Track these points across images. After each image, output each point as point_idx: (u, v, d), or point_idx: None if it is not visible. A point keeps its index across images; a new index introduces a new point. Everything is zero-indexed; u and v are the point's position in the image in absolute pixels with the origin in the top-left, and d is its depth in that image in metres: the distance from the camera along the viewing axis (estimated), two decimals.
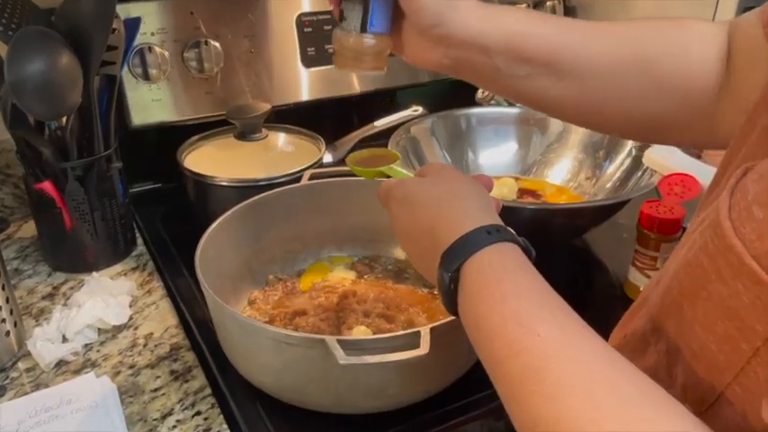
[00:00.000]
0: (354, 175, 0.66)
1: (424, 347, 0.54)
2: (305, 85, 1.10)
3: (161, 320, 0.75)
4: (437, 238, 0.45)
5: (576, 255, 0.93)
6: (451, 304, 0.44)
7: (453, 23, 0.50)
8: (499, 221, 0.46)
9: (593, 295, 0.84)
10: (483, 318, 0.40)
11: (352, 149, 1.01)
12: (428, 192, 0.49)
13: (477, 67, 0.52)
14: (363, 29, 0.53)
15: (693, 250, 0.35)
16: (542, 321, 0.38)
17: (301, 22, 1.04)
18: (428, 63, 0.53)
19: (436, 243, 0.45)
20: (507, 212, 0.75)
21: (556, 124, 1.03)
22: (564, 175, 1.02)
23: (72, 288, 0.80)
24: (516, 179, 1.03)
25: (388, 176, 0.59)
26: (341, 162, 1.00)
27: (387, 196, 0.52)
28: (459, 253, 0.43)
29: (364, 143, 1.04)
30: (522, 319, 0.38)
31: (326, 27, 1.05)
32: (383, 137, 1.02)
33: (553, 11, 1.20)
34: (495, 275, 0.41)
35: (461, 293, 0.43)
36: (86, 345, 0.71)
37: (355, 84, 1.11)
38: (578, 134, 1.02)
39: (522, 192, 0.99)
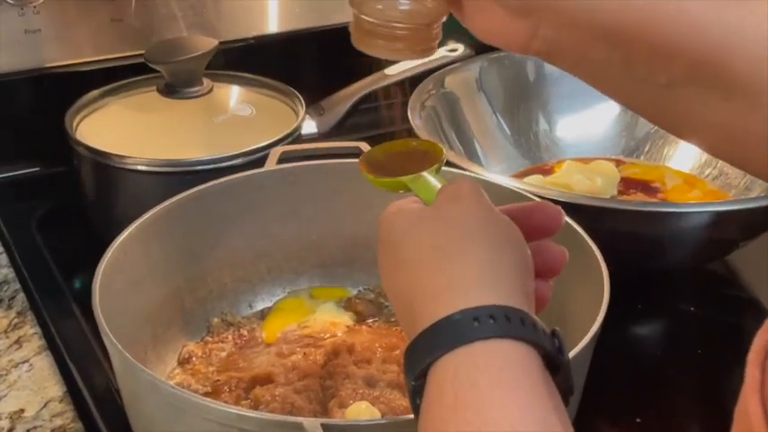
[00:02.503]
0: (357, 156, 0.65)
1: None
2: (273, 7, 1.10)
3: (37, 390, 0.75)
4: (415, 315, 0.46)
5: (714, 287, 0.93)
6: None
7: None
8: (515, 299, 0.45)
9: (744, 353, 0.83)
10: None
11: (347, 116, 1.01)
12: (416, 239, 0.50)
13: (587, 60, 0.50)
14: None
15: None
16: None
17: None
18: (509, 44, 0.52)
19: (414, 323, 0.46)
20: (601, 218, 0.74)
21: None
22: (696, 158, 1.02)
23: None
24: (618, 163, 1.02)
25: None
26: (332, 135, 1.00)
27: (378, 230, 0.53)
28: (425, 350, 0.44)
29: (373, 103, 1.04)
30: None
31: None
32: (401, 92, 1.02)
33: None
34: (457, 397, 0.41)
35: (421, 413, 0.44)
36: None
37: None
38: None
39: (628, 184, 0.99)
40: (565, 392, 0.45)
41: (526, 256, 0.49)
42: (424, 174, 0.57)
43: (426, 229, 0.50)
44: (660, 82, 0.49)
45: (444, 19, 0.55)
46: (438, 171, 0.57)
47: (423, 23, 0.54)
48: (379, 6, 0.53)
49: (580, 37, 0.49)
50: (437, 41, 0.55)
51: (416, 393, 0.44)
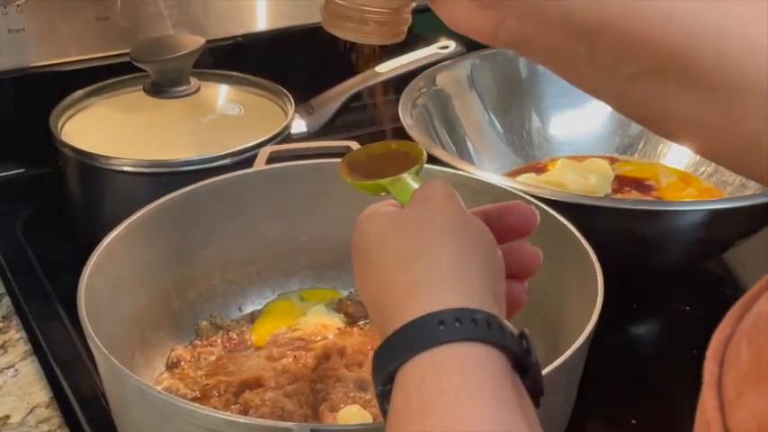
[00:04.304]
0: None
1: None
2: (261, 5, 1.10)
3: (23, 395, 0.75)
4: (384, 321, 0.47)
5: (710, 286, 0.93)
6: None
7: None
8: (483, 301, 0.45)
9: None
10: None
11: (337, 115, 1.01)
12: (385, 244, 0.50)
13: (553, 51, 0.51)
14: None
15: None
16: None
17: None
18: (476, 33, 0.53)
19: (384, 328, 0.46)
20: (595, 217, 0.74)
21: None
22: (691, 156, 1.02)
23: None
24: (612, 161, 1.03)
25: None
26: (322, 134, 1.00)
27: (353, 235, 0.54)
28: (391, 356, 0.44)
29: (363, 101, 1.05)
30: None
31: None
32: (392, 90, 1.02)
33: None
34: (423, 402, 0.41)
35: (387, 419, 0.44)
36: None
37: None
38: None
39: (622, 182, 0.99)
40: (534, 394, 0.45)
41: (496, 258, 0.50)
42: (404, 176, 0.57)
43: (396, 232, 0.50)
44: (626, 73, 0.49)
45: (414, 4, 0.55)
46: (418, 173, 0.57)
47: (392, 7, 0.54)
48: None
49: (545, 28, 0.49)
50: (406, 26, 0.56)
51: (384, 398, 0.44)
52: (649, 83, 0.49)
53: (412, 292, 0.46)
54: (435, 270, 0.47)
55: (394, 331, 0.44)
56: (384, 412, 0.45)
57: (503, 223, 0.53)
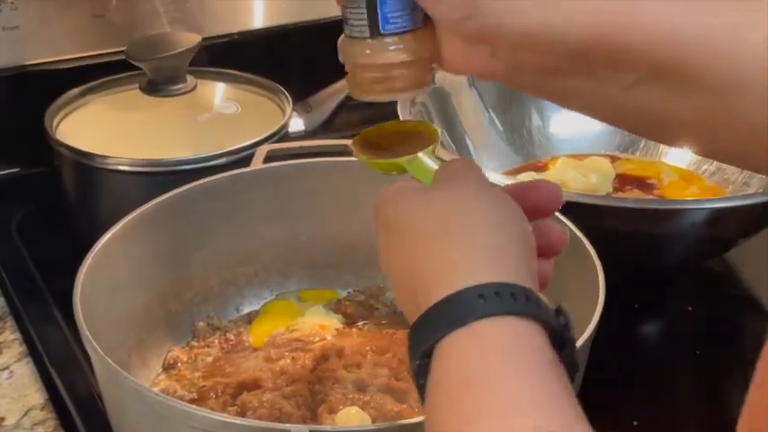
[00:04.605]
0: (345, 154, 0.65)
1: None
2: (258, 1, 1.10)
3: (18, 397, 0.75)
4: (416, 298, 0.47)
5: (713, 285, 0.93)
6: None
7: (494, 12, 0.50)
8: (520, 276, 0.46)
9: (743, 351, 0.84)
10: None
11: (335, 113, 1.01)
12: (421, 219, 0.50)
13: (550, 76, 0.52)
14: (375, 31, 0.55)
15: None
16: None
17: None
18: (472, 70, 0.55)
19: (419, 305, 0.46)
20: (597, 216, 0.74)
21: None
22: (692, 154, 1.01)
23: None
24: (613, 159, 1.03)
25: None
26: (320, 133, 1.00)
27: (377, 212, 0.53)
28: (430, 329, 0.44)
29: (360, 104, 1.04)
30: None
31: None
32: None
33: None
34: (466, 374, 0.42)
35: (426, 393, 0.44)
36: None
37: None
38: None
39: (624, 180, 0.99)
40: (570, 369, 0.45)
41: (528, 235, 0.50)
42: (420, 155, 0.58)
43: (429, 208, 0.50)
44: (624, 84, 0.50)
45: (430, 52, 0.56)
46: (434, 152, 0.58)
47: (411, 60, 0.56)
48: (368, 53, 0.55)
49: (536, 53, 0.51)
50: (430, 72, 0.57)
51: (420, 373, 0.44)
52: (648, 91, 0.50)
53: (449, 267, 0.46)
54: (472, 246, 0.47)
55: (432, 305, 0.44)
56: (419, 387, 0.45)
57: (527, 202, 0.53)
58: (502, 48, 0.52)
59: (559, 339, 0.45)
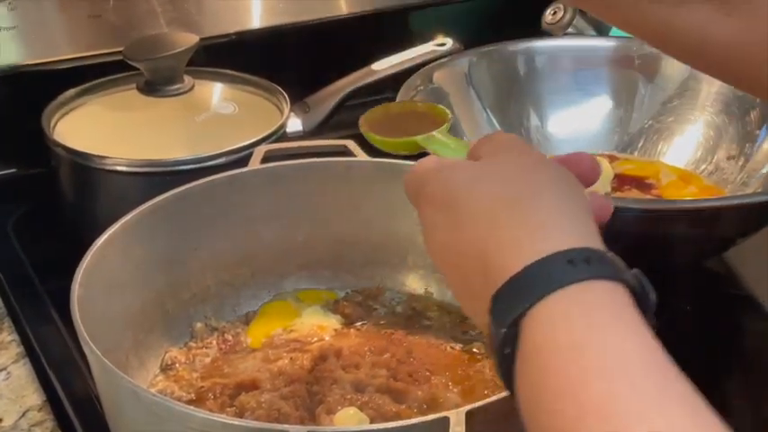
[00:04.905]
0: (344, 155, 0.65)
1: None
2: (255, 2, 1.10)
3: (16, 398, 0.75)
4: (490, 269, 0.46)
5: (711, 285, 0.93)
6: (506, 374, 0.44)
7: None
8: (596, 241, 0.46)
9: (742, 351, 0.84)
10: (547, 406, 0.41)
11: (333, 113, 1.01)
12: (482, 190, 0.49)
13: None
14: None
15: None
16: (646, 419, 0.38)
17: None
18: None
19: (488, 277, 0.45)
20: None
21: (676, 68, 1.03)
22: (691, 153, 1.02)
23: None
24: (611, 159, 1.03)
25: (422, 152, 0.59)
26: (318, 133, 1.00)
27: (417, 191, 0.53)
28: (519, 296, 0.43)
29: (359, 99, 1.04)
30: (613, 415, 0.38)
31: None
32: (388, 88, 1.02)
33: None
34: (573, 337, 0.41)
35: (520, 363, 0.43)
36: None
37: (340, 0, 1.11)
38: (714, 85, 1.01)
39: (622, 180, 0.99)
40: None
41: (586, 199, 0.50)
42: (435, 133, 0.58)
43: (491, 178, 0.50)
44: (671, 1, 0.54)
45: None
46: (447, 131, 0.59)
47: None
48: None
49: None
50: None
51: (507, 342, 0.43)
52: (692, 9, 0.53)
53: (527, 234, 0.46)
54: (546, 212, 0.47)
55: (517, 272, 0.44)
56: (503, 356, 0.44)
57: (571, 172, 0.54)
58: None
59: (642, 302, 0.44)
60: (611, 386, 0.39)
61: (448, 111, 0.61)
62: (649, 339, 0.42)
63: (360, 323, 0.81)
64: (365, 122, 0.61)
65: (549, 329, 0.42)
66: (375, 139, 0.60)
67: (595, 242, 0.45)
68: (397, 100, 0.96)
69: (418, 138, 0.58)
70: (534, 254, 0.44)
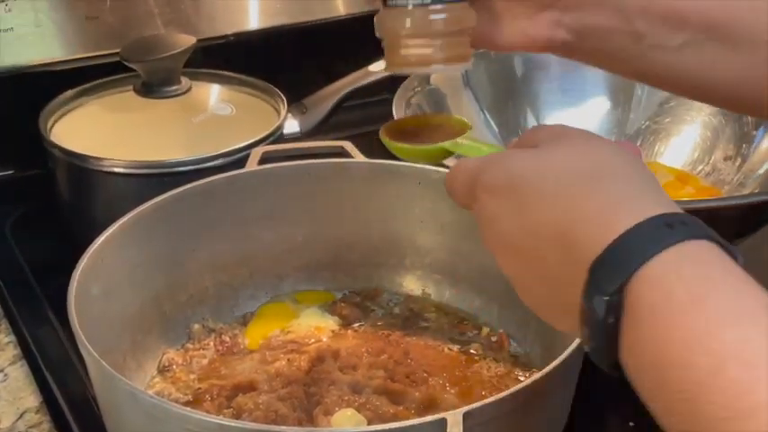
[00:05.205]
0: (341, 156, 0.65)
1: None
2: (253, 3, 1.10)
3: (13, 399, 0.75)
4: (575, 244, 0.46)
5: None
6: (607, 349, 0.45)
7: None
8: (678, 209, 0.46)
9: None
10: (676, 361, 0.41)
11: (330, 115, 1.01)
12: (556, 170, 0.49)
13: (606, 38, 0.57)
14: None
15: None
16: None
17: None
18: (532, 43, 0.58)
19: (573, 253, 0.46)
20: None
21: None
22: (688, 154, 1.02)
23: None
24: None
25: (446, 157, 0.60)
26: (315, 134, 1.00)
27: (471, 185, 0.52)
28: (621, 262, 0.43)
29: (356, 101, 1.05)
30: (753, 358, 0.39)
31: None
32: (385, 89, 1.02)
33: None
34: (692, 292, 0.42)
35: (629, 328, 0.43)
36: None
37: (337, 1, 1.12)
38: None
39: None
40: None
41: (653, 174, 0.51)
42: (459, 139, 0.59)
43: (563, 159, 0.50)
44: (674, 44, 0.56)
45: (472, 25, 0.58)
46: (468, 138, 0.60)
47: (456, 29, 0.56)
48: (409, 21, 0.56)
49: (599, 16, 0.57)
50: (469, 48, 0.58)
51: (611, 310, 0.44)
52: (696, 51, 0.56)
53: (614, 204, 0.46)
54: (629, 184, 0.48)
55: (614, 240, 0.44)
56: (604, 327, 0.44)
57: None
58: (571, 10, 0.57)
59: (731, 255, 0.45)
60: (743, 332, 0.40)
61: (465, 119, 0.62)
62: (759, 288, 0.42)
63: (357, 324, 0.81)
64: (388, 130, 0.61)
65: (664, 288, 0.42)
66: (400, 147, 0.60)
67: (674, 207, 0.46)
68: (394, 100, 0.96)
69: (446, 143, 0.58)
70: (629, 221, 0.44)
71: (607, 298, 0.43)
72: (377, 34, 0.58)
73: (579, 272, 0.45)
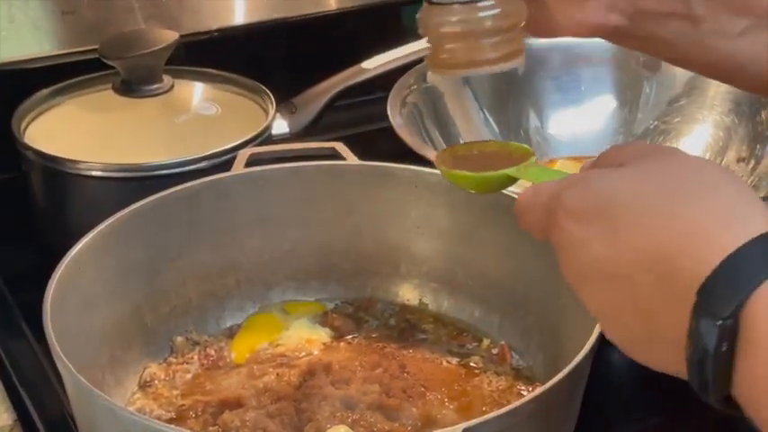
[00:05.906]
0: (332, 158, 0.65)
1: None
2: None
3: None
4: (678, 267, 0.45)
5: None
6: (720, 383, 0.43)
7: None
8: None
9: None
10: None
11: (321, 114, 1.01)
12: (650, 190, 0.48)
13: (663, 23, 0.58)
14: None
15: None
16: None
17: None
18: (583, 29, 0.59)
19: (675, 278, 0.44)
20: None
21: None
22: (699, 155, 1.00)
23: None
24: None
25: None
26: (305, 135, 1.00)
27: (550, 210, 0.51)
28: (736, 282, 0.42)
29: (348, 99, 1.05)
30: None
31: None
32: (379, 88, 1.02)
33: None
34: None
35: (745, 356, 0.42)
36: None
37: None
38: (722, 84, 1.02)
39: None
40: None
41: (750, 187, 0.54)
42: (522, 166, 0.58)
43: (656, 178, 0.49)
44: (736, 30, 0.57)
45: (524, 20, 0.58)
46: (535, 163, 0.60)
47: (508, 25, 0.56)
48: (457, 18, 0.55)
49: (656, 1, 0.59)
50: (523, 44, 0.57)
51: (724, 336, 0.42)
52: (756, 38, 0.57)
53: (718, 222, 0.45)
54: (731, 200, 0.46)
55: (724, 260, 0.43)
56: (717, 356, 0.43)
57: None
58: None
59: None
60: None
61: (526, 146, 0.61)
62: None
63: (350, 336, 0.81)
64: (443, 159, 0.61)
65: None
66: (460, 175, 0.59)
67: None
68: (389, 99, 0.96)
69: (510, 170, 0.57)
70: (740, 238, 0.43)
71: (720, 322, 0.42)
72: (419, 32, 0.57)
73: (684, 297, 0.43)
